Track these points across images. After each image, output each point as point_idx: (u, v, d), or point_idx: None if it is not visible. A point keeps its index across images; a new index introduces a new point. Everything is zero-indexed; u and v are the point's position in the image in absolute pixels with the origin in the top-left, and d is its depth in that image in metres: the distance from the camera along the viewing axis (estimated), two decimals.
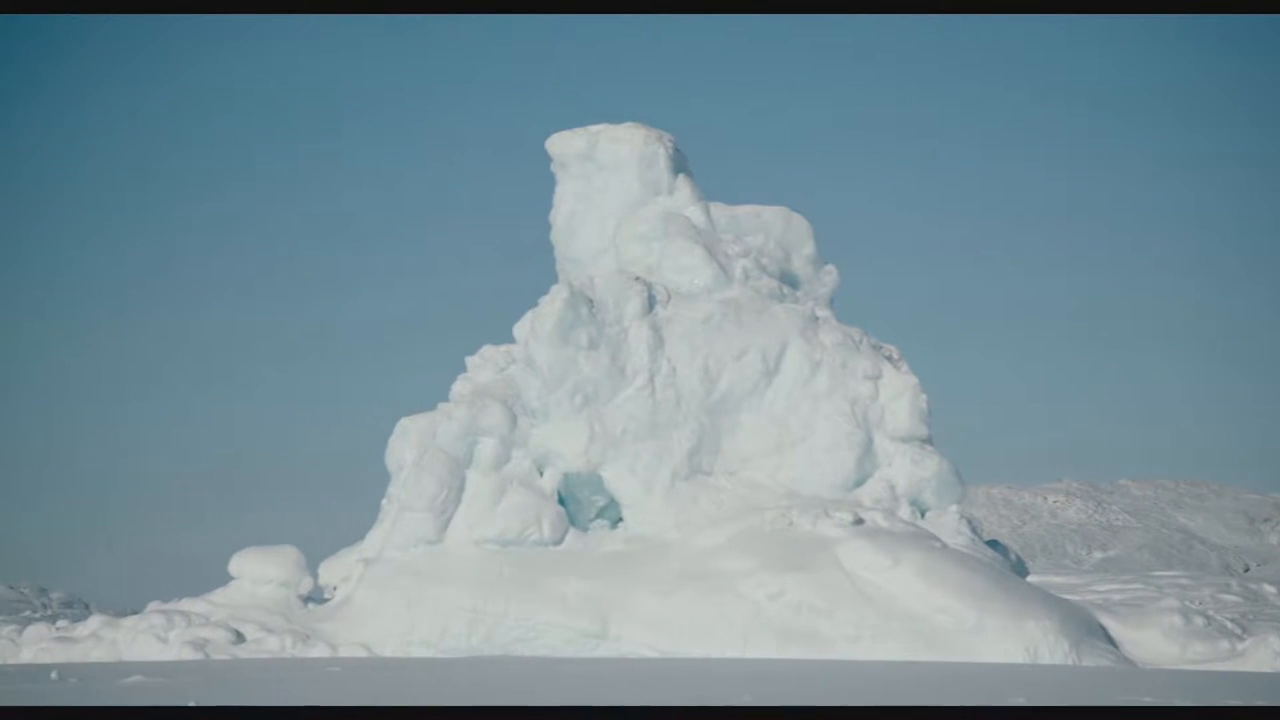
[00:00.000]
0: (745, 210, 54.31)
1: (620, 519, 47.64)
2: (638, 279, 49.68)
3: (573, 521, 47.32)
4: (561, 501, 47.49)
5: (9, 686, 29.01)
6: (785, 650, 40.91)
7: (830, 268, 54.55)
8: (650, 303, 49.31)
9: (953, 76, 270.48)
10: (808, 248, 54.18)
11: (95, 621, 47.17)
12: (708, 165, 66.90)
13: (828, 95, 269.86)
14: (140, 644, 43.80)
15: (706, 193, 54.18)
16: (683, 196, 53.30)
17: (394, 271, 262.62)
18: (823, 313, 51.66)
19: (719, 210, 53.79)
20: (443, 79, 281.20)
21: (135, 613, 49.87)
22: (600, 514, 47.96)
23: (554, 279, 53.61)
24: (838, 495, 47.41)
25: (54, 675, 32.06)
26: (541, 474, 47.64)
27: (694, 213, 52.96)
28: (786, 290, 52.26)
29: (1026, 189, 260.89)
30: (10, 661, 43.31)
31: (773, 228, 53.98)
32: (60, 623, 53.90)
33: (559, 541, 46.53)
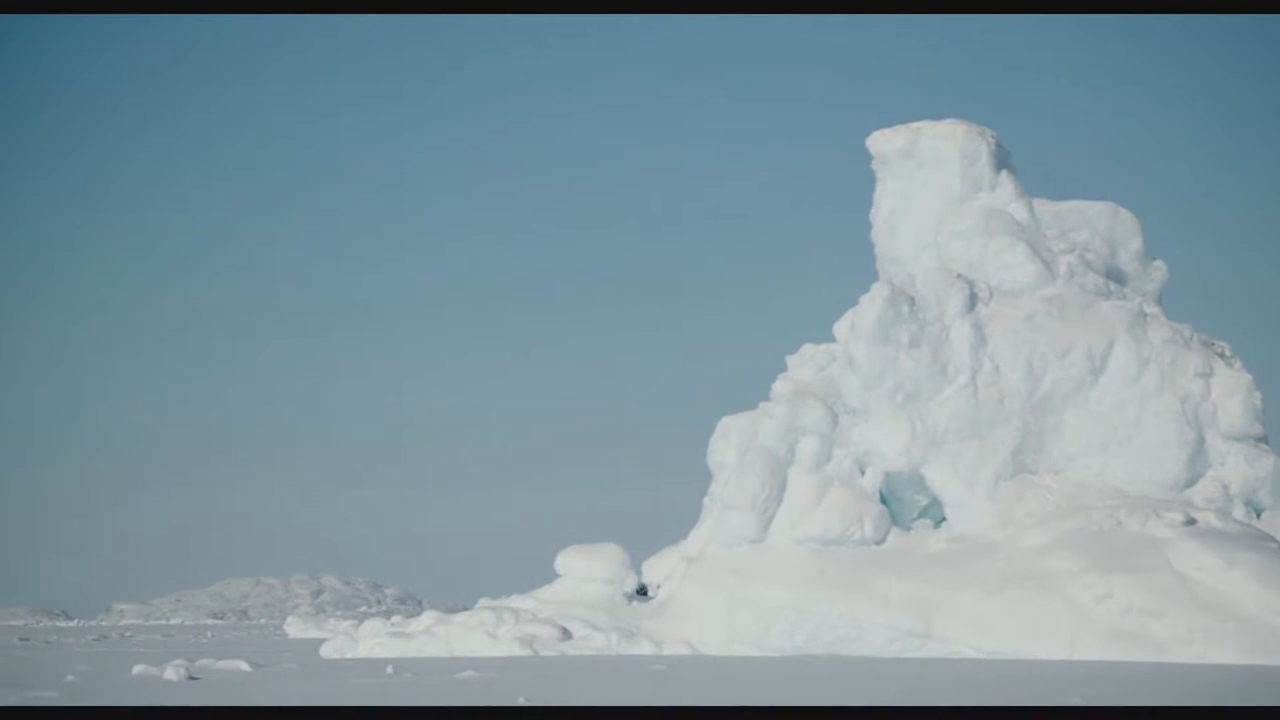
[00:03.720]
0: (1070, 206, 53.38)
1: (943, 518, 47.23)
2: (959, 276, 49.14)
3: (895, 521, 47.06)
4: (883, 500, 47.26)
5: (346, 681, 29.95)
6: (1114, 653, 40.12)
7: (1159, 263, 53.33)
8: (972, 300, 48.73)
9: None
10: (1135, 243, 53.05)
11: (428, 617, 48.44)
12: (1031, 162, 65.85)
13: (1155, 90, 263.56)
14: (471, 639, 44.79)
15: (1029, 189, 53.40)
16: (1005, 193, 52.57)
17: (717, 274, 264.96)
18: (1151, 309, 50.55)
19: (1042, 206, 52.95)
20: (766, 80, 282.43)
21: (466, 609, 51.09)
22: (923, 513, 47.62)
23: (874, 277, 53.36)
24: (1168, 495, 46.34)
25: (389, 669, 33.03)
26: (863, 473, 47.44)
27: (1017, 209, 52.22)
28: (1113, 287, 51.25)
29: None
30: (347, 656, 44.63)
31: (1098, 223, 52.96)
32: (394, 618, 55.53)
33: (881, 541, 46.30)
